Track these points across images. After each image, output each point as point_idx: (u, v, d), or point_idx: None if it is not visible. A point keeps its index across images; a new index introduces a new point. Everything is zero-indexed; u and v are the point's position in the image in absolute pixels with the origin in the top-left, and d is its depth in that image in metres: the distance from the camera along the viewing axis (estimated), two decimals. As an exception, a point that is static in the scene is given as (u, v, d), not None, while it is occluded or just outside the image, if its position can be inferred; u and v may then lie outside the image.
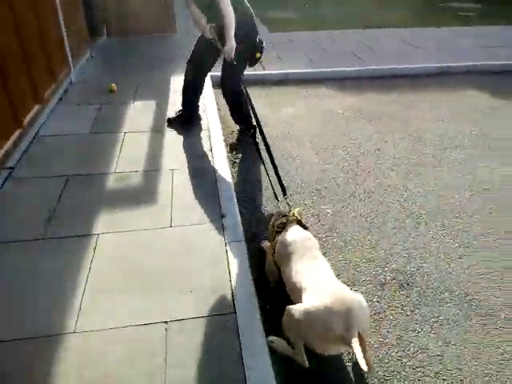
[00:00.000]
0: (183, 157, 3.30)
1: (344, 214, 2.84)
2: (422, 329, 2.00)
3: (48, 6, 4.14)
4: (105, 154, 3.28)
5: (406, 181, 3.20)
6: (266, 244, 2.39)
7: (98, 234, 2.43)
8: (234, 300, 2.01)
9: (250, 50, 3.36)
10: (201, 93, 3.81)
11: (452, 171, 3.33)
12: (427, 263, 2.41)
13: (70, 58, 4.65)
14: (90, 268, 2.18)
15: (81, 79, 4.83)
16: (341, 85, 5.08)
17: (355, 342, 1.52)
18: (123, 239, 2.40)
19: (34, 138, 3.46)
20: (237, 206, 2.74)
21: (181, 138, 3.60)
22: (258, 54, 3.39)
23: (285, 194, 2.43)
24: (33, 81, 3.54)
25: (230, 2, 3.01)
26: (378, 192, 3.07)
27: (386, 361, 1.85)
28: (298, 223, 2.16)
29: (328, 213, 2.84)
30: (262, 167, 3.15)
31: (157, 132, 3.67)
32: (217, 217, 2.61)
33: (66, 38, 4.55)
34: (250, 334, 1.85)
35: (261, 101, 4.60)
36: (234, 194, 2.88)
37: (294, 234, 2.08)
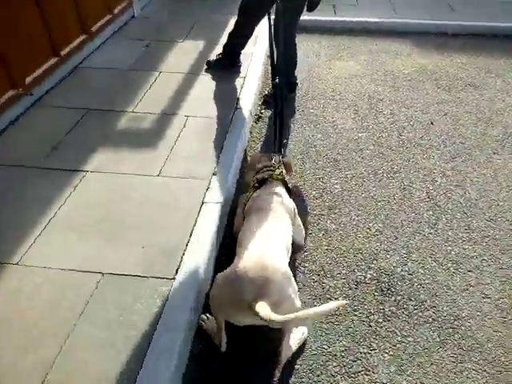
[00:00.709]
0: (206, 103, 3.10)
1: (354, 192, 2.47)
2: (380, 346, 1.67)
3: None
4: (131, 92, 3.22)
5: (447, 165, 2.67)
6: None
7: (86, 172, 2.41)
8: (179, 266, 1.87)
9: None
10: (246, 42, 3.50)
11: (515, 163, 2.69)
12: (424, 269, 2.00)
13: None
14: (63, 205, 2.18)
15: (143, 14, 4.77)
16: (419, 40, 4.33)
17: (261, 308, 1.34)
18: (106, 181, 2.36)
19: (74, 68, 3.52)
20: (234, 166, 2.52)
21: (213, 83, 3.38)
22: None
23: (280, 151, 2.28)
24: (79, 11, 3.53)
25: None
26: (407, 173, 2.60)
27: (317, 373, 1.59)
28: (282, 182, 2.00)
29: (336, 188, 2.50)
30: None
31: (192, 75, 3.49)
32: (209, 173, 2.43)
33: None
34: (176, 306, 1.71)
35: (319, 51, 4.14)
36: (239, 152, 2.65)
37: (269, 191, 1.91)
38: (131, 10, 4.61)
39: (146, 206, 2.19)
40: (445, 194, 2.44)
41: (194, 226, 2.09)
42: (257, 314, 1.34)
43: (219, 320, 1.59)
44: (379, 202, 2.40)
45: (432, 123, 3.07)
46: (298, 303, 1.51)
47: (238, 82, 3.42)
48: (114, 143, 2.66)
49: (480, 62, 3.91)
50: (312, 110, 3.23)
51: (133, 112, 2.98)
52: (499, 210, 2.34)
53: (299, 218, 2.06)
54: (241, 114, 3.00)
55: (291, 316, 1.33)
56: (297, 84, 3.41)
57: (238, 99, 3.18)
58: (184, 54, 3.83)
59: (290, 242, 1.76)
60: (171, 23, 4.49)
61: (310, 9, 3.02)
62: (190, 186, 2.33)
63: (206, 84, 3.37)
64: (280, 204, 1.84)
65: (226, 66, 3.56)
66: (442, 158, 2.72)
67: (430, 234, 2.20)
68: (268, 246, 1.60)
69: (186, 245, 1.98)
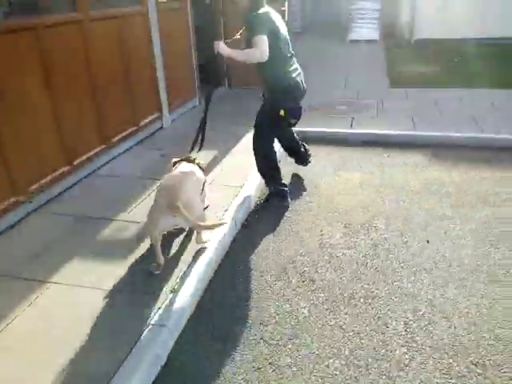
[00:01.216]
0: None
1: (322, 319, 2.23)
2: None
3: (145, 54, 4.61)
4: (132, 199, 3.35)
5: (436, 292, 2.36)
6: None
7: (50, 284, 2.43)
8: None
9: (275, 109, 3.13)
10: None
11: (521, 293, 2.32)
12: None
13: (164, 105, 5.05)
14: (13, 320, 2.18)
15: (174, 125, 5.19)
16: (438, 154, 4.21)
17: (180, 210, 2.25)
18: (65, 295, 2.35)
19: (86, 176, 3.79)
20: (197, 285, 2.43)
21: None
22: (282, 112, 3.10)
23: (199, 149, 3.08)
24: (100, 122, 3.91)
25: (266, 49, 2.80)
26: (387, 299, 2.33)
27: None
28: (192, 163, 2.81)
29: (303, 313, 2.28)
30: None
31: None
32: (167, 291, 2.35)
33: (162, 83, 4.96)
34: None
35: (328, 162, 4.15)
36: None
37: (184, 166, 2.75)
38: (160, 122, 5.05)
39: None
40: (426, 328, 2.12)
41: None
42: (178, 211, 2.24)
43: (153, 236, 2.40)
44: (348, 332, 2.13)
45: (428, 242, 2.82)
46: (202, 212, 2.56)
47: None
48: (90, 253, 2.71)
49: (499, 176, 3.67)
50: (302, 223, 3.13)
51: (121, 220, 3.07)
52: (488, 351, 1.97)
53: (206, 190, 2.91)
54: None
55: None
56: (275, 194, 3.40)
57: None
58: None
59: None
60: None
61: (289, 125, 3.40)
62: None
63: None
64: (193, 170, 2.70)
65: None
66: (432, 284, 2.43)
67: (398, 377, 1.87)
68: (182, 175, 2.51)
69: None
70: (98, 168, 3.94)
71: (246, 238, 2.99)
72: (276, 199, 3.41)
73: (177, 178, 2.46)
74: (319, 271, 2.61)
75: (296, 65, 3.22)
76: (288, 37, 3.14)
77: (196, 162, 2.84)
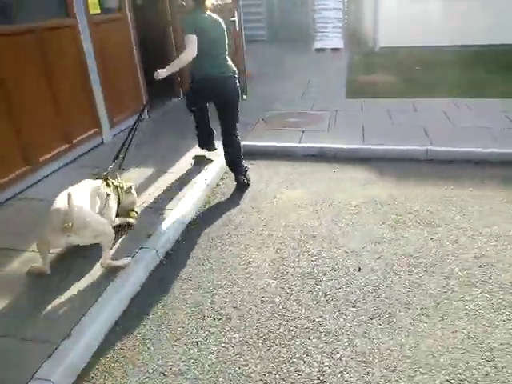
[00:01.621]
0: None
1: (230, 367, 2.00)
2: None
3: (76, 69, 4.35)
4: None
5: (358, 329, 2.16)
6: None
7: None
8: None
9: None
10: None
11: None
12: None
13: (103, 120, 4.78)
14: None
15: (115, 141, 4.91)
16: (386, 168, 4.05)
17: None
18: None
19: (11, 198, 3.49)
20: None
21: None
22: None
23: (114, 160, 3.08)
24: (21, 140, 3.62)
25: (193, 48, 3.28)
26: (305, 339, 2.12)
27: None
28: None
29: (210, 360, 2.04)
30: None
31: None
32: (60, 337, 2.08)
33: (99, 98, 4.69)
34: None
35: (272, 178, 3.95)
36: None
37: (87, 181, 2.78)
38: (99, 138, 4.77)
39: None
40: (341, 375, 1.91)
41: None
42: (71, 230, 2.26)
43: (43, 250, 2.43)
44: (255, 382, 1.90)
45: (360, 269, 2.62)
46: (102, 228, 2.43)
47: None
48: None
49: (444, 193, 3.52)
50: (231, 248, 2.90)
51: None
52: (407, 405, 1.77)
53: (111, 208, 2.76)
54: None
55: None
56: None
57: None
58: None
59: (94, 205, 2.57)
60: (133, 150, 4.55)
61: None
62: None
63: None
64: (91, 185, 2.69)
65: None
66: (356, 319, 2.23)
67: None
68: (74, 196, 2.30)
69: None
70: (22, 191, 3.63)
71: (167, 269, 2.74)
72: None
73: (69, 198, 2.27)
74: (238, 306, 2.38)
75: (220, 64, 3.55)
76: (217, 37, 3.52)
77: (106, 178, 2.86)
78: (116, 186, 2.88)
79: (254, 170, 4.15)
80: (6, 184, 3.48)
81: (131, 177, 3.71)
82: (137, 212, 3.11)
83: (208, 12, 3.50)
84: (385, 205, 3.38)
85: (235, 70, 3.65)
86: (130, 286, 2.48)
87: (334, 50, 10.66)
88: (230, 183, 3.89)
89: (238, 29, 6.17)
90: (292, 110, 5.83)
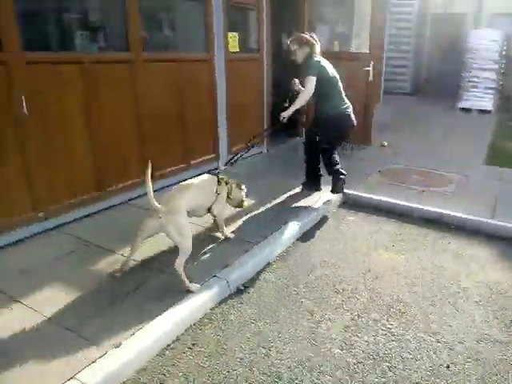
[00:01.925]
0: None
1: None
2: None
3: (206, 98, 4.66)
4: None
5: None
6: None
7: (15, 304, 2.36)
8: None
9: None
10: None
11: None
12: None
13: (222, 147, 5.01)
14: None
15: (229, 169, 5.08)
16: (510, 250, 3.39)
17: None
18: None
19: (118, 204, 3.80)
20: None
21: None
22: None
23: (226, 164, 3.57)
24: (142, 152, 3.96)
25: (311, 87, 3.71)
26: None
27: None
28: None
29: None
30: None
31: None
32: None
33: (222, 126, 4.96)
34: None
35: (374, 236, 3.60)
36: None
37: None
38: (215, 163, 4.98)
39: None
40: None
41: None
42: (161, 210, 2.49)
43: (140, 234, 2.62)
44: None
45: (448, 367, 2.14)
46: (185, 232, 2.58)
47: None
48: (62, 281, 2.61)
49: None
50: (304, 301, 2.66)
51: (123, 255, 2.94)
52: None
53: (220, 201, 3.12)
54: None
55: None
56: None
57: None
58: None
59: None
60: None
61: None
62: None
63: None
64: (207, 179, 3.11)
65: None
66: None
67: None
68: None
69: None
70: (132, 199, 3.94)
71: (233, 305, 2.62)
72: (338, 185, 4.06)
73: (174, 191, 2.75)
74: (293, 368, 2.12)
75: (345, 101, 4.03)
76: (337, 77, 3.98)
77: (220, 177, 3.17)
78: (226, 182, 3.21)
79: (356, 223, 3.85)
80: (117, 190, 3.82)
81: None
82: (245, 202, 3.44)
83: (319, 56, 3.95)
84: (503, 295, 2.78)
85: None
86: (189, 312, 2.41)
87: (482, 111, 9.70)
88: (325, 230, 3.67)
89: (370, 78, 5.99)
90: (417, 167, 5.37)
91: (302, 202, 4.05)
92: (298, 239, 3.50)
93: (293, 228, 3.52)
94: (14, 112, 2.92)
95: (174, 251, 2.69)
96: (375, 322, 2.50)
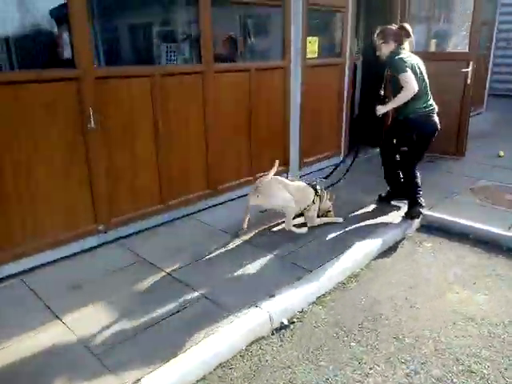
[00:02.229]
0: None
1: None
2: None
3: (277, 108, 4.50)
4: (200, 253, 3.21)
5: None
6: None
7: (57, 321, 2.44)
8: None
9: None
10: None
11: None
12: None
13: (293, 159, 4.81)
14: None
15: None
16: None
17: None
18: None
19: (182, 216, 3.81)
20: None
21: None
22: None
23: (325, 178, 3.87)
24: (208, 166, 3.93)
25: (413, 84, 3.36)
26: None
27: None
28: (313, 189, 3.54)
29: None
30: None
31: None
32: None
33: (294, 137, 4.75)
34: None
35: (450, 268, 3.13)
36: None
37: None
38: (285, 176, 4.80)
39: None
40: None
41: None
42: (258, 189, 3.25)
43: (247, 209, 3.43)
44: None
45: None
46: (282, 203, 3.32)
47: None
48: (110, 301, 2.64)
49: None
50: (354, 345, 2.35)
51: (169, 275, 2.92)
52: None
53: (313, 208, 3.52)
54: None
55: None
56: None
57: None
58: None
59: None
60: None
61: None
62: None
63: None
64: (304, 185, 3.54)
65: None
66: None
67: None
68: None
69: None
70: (197, 212, 3.93)
71: (271, 341, 2.42)
72: (414, 210, 3.73)
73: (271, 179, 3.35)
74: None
75: (431, 102, 3.65)
76: (425, 77, 3.63)
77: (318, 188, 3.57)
78: (320, 194, 3.57)
79: (434, 252, 3.38)
80: (180, 203, 3.83)
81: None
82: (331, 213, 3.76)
83: (408, 52, 3.64)
84: None
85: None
86: (221, 348, 2.26)
87: None
88: (396, 257, 3.28)
89: (469, 81, 5.30)
90: (514, 184, 4.61)
91: (374, 224, 3.68)
92: (362, 268, 3.17)
93: (358, 254, 3.19)
94: (83, 126, 3.03)
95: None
96: (437, 381, 2.11)
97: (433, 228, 3.77)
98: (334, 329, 2.50)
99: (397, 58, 3.47)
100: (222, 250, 3.24)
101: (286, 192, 3.32)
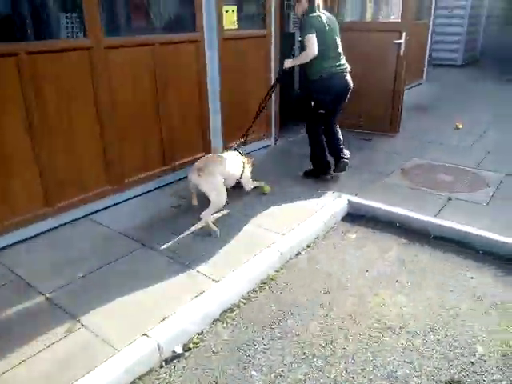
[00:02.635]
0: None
1: None
2: None
3: (192, 89, 4.01)
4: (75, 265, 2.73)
5: None
6: None
7: None
8: None
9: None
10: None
11: None
12: None
13: (215, 145, 4.36)
14: None
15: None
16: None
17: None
18: None
19: (78, 218, 3.31)
20: None
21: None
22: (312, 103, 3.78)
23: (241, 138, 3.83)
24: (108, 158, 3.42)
25: (315, 47, 3.42)
26: None
27: None
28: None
29: None
30: None
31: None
32: None
33: (215, 121, 4.31)
34: None
35: (372, 262, 2.87)
36: None
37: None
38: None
39: None
40: None
41: None
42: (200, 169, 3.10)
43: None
44: None
45: None
46: (220, 189, 3.14)
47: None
48: None
49: None
50: (260, 375, 2.02)
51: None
52: None
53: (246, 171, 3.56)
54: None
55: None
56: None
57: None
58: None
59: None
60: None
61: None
62: None
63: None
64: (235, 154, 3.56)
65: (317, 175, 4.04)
66: None
67: None
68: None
69: None
70: (96, 212, 3.42)
71: (161, 376, 2.04)
72: (317, 173, 3.99)
73: (210, 156, 3.45)
74: None
75: (340, 62, 3.66)
76: (337, 36, 3.66)
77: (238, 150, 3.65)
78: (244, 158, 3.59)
79: (354, 245, 3.11)
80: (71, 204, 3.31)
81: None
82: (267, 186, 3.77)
83: (322, 11, 3.61)
84: (539, 373, 1.98)
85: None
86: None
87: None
88: (314, 255, 2.97)
89: (401, 53, 5.01)
90: (447, 162, 4.43)
91: (295, 215, 3.34)
92: (278, 269, 2.84)
93: (273, 256, 2.84)
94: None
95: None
96: (345, 412, 1.83)
97: (358, 216, 3.50)
98: (235, 353, 2.15)
99: (306, 17, 3.51)
100: (118, 259, 2.78)
101: (221, 178, 3.17)
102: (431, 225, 3.22)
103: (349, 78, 3.69)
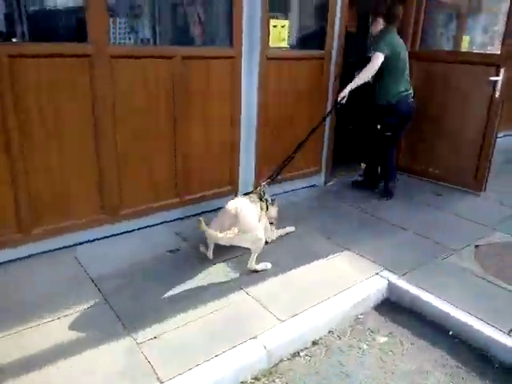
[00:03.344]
0: None
1: None
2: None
3: (223, 112, 3.40)
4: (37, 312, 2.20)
5: None
6: None
7: None
8: None
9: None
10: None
11: None
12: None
13: (241, 180, 3.69)
14: None
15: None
16: None
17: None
18: None
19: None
20: None
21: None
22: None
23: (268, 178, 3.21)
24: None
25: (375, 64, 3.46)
26: None
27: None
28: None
29: None
30: None
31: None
32: None
33: (244, 155, 3.65)
34: None
35: (404, 374, 1.97)
36: None
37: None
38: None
39: None
40: None
41: None
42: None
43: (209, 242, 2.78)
44: None
45: None
46: (260, 236, 2.66)
47: None
48: None
49: None
50: None
51: None
52: None
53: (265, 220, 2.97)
54: None
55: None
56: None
57: None
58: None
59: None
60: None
61: None
62: None
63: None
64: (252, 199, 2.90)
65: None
66: None
67: None
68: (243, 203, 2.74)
69: None
70: (81, 243, 2.93)
71: None
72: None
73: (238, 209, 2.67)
74: None
75: (409, 87, 3.74)
76: (407, 62, 3.70)
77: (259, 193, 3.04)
78: (266, 200, 3.05)
79: (381, 355, 2.23)
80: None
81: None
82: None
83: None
84: None
85: None
86: None
87: None
88: (314, 363, 2.14)
89: (498, 93, 3.94)
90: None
91: (311, 291, 2.54)
92: (266, 373, 2.06)
93: (252, 355, 2.07)
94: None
95: None
96: None
97: (399, 308, 2.59)
98: None
99: (382, 35, 3.54)
100: (74, 314, 2.23)
101: (258, 223, 2.75)
102: (500, 347, 2.21)
103: (413, 102, 3.79)
